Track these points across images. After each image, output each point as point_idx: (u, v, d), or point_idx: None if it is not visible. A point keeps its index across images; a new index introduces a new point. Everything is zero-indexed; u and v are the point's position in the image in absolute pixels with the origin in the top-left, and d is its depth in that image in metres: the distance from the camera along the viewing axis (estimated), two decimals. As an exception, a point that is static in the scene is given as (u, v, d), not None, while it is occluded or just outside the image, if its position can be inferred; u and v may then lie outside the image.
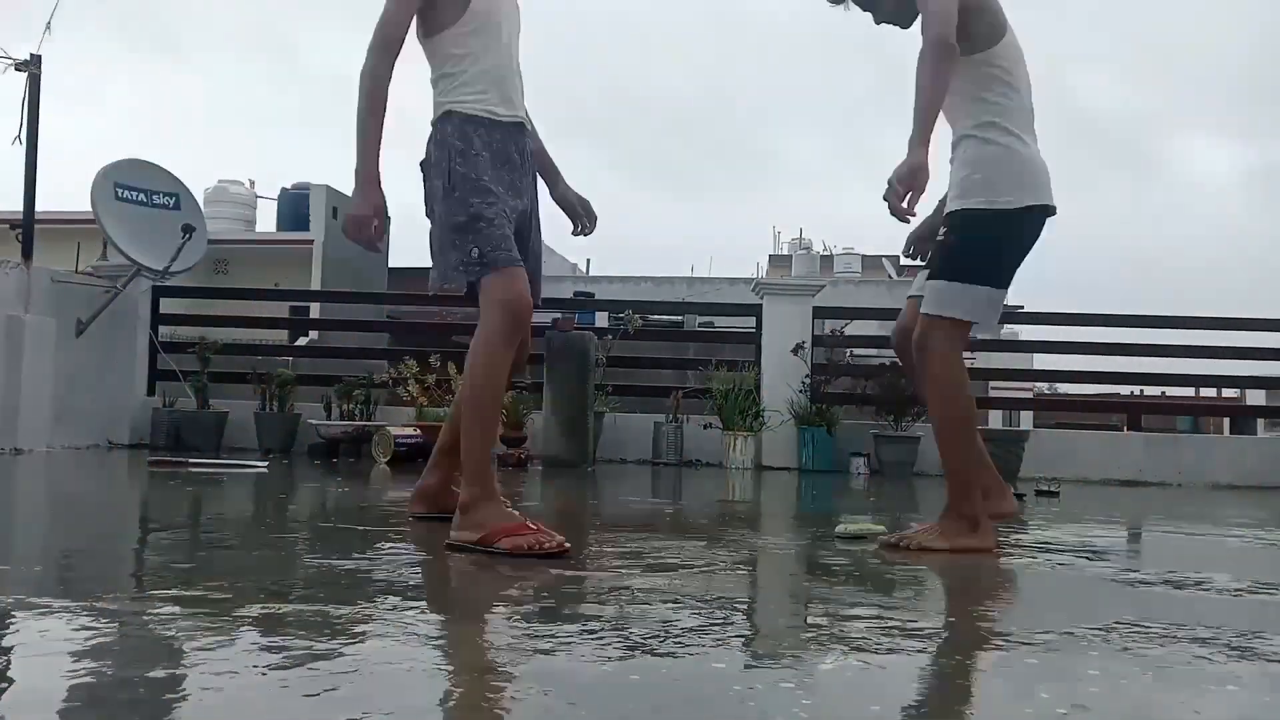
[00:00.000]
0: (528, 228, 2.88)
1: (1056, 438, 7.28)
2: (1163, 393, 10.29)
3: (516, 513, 2.65)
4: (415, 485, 3.17)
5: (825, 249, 28.83)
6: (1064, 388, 14.80)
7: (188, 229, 6.96)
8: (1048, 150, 2.90)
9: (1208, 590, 2.40)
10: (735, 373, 6.80)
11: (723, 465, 6.61)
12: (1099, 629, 1.87)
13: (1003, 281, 2.82)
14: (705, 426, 6.79)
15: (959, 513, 2.84)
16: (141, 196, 7.02)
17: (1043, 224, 2.83)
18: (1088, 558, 3.01)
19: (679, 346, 10.24)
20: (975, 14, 2.75)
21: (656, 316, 11.35)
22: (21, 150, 6.49)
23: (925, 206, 2.98)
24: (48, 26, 6.77)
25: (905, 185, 2.59)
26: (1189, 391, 12.52)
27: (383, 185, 2.71)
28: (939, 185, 2.93)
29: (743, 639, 1.79)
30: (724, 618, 1.91)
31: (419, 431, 6.27)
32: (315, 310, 13.56)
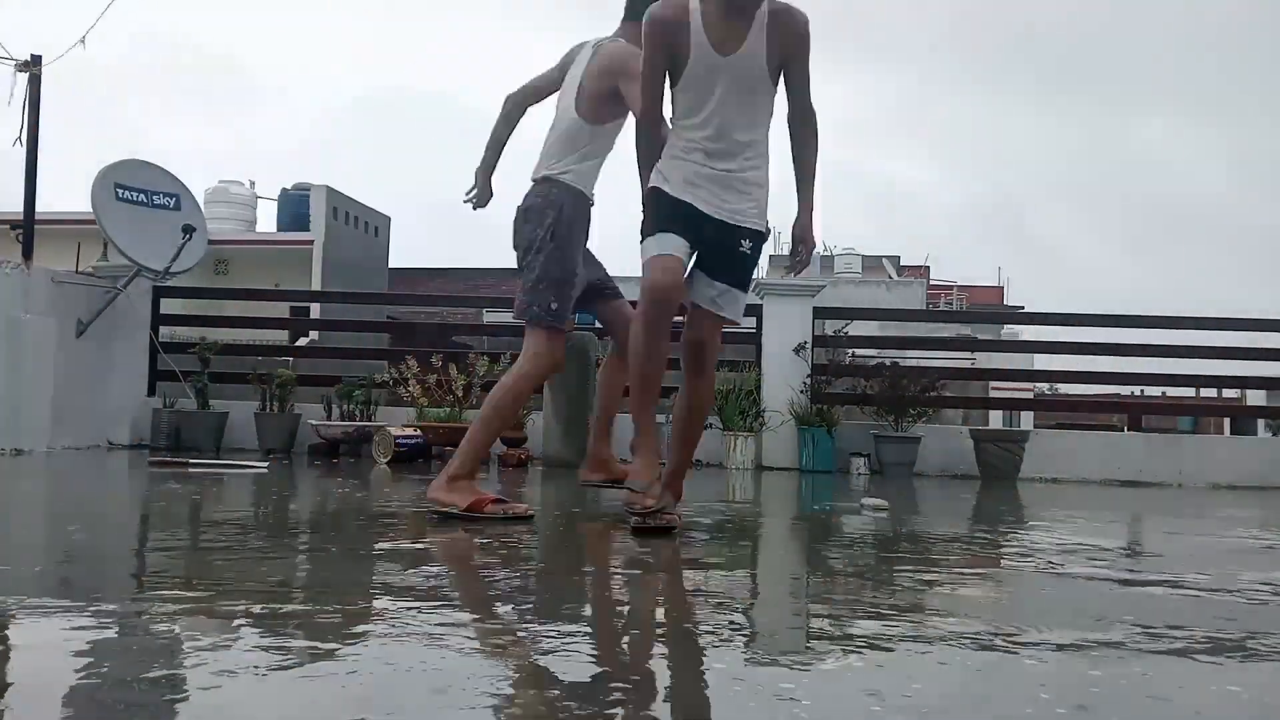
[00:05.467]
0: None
1: (1057, 438, 7.28)
2: (1163, 393, 10.29)
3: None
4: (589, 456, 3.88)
5: (826, 249, 28.85)
6: (1064, 388, 14.82)
7: (188, 229, 6.96)
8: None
9: (1208, 590, 2.40)
10: (736, 373, 6.79)
11: (723, 465, 6.61)
12: (1099, 629, 1.87)
13: None
14: (705, 426, 6.79)
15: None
16: (142, 197, 7.02)
17: None
18: (1088, 558, 3.01)
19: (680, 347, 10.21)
20: None
21: (657, 317, 11.31)
22: (22, 151, 6.50)
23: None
24: (82, 41, 6.81)
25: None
26: (1189, 392, 12.52)
27: None
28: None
29: (743, 639, 1.79)
30: (724, 618, 1.91)
31: (419, 432, 6.26)
32: (315, 310, 13.58)
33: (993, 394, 11.82)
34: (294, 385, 6.91)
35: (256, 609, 1.83)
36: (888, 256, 29.96)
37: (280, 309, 12.49)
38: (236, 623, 1.73)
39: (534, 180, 3.48)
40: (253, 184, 19.72)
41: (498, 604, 1.95)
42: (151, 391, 7.25)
